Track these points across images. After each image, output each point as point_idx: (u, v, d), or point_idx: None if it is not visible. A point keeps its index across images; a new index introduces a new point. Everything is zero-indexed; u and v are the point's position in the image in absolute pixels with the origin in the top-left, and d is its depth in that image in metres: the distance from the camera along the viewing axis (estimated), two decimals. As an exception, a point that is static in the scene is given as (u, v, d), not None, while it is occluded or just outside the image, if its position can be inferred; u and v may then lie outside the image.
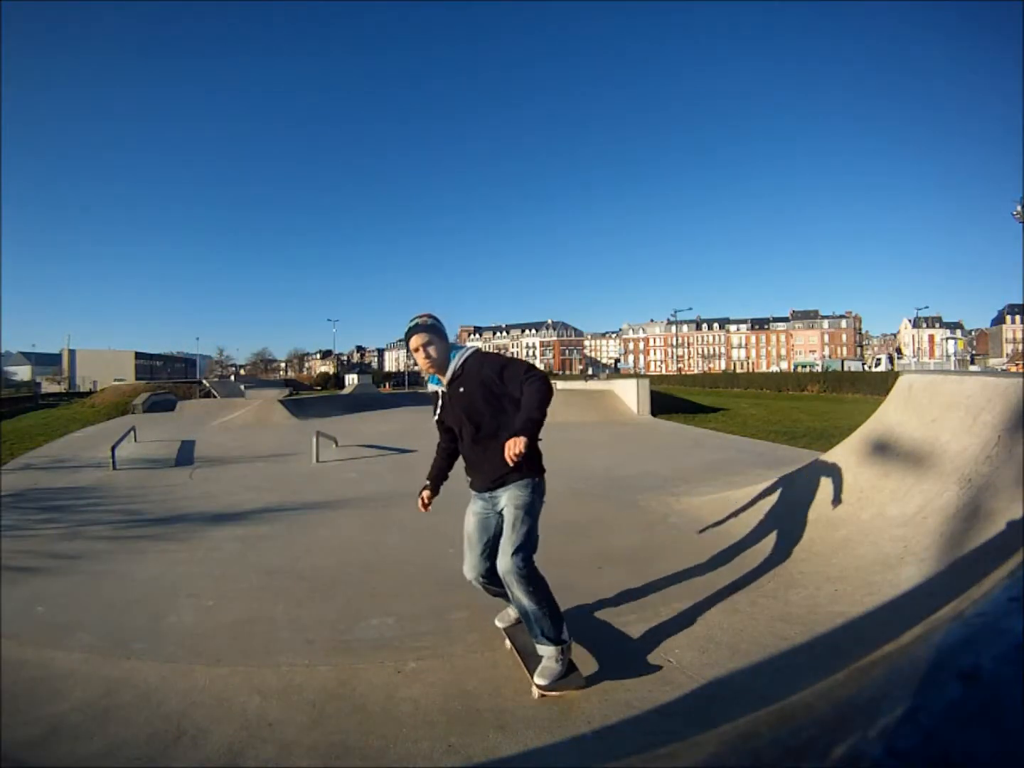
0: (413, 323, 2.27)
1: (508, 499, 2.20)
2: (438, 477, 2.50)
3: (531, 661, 2.20)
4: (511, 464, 1.93)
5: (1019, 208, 28.04)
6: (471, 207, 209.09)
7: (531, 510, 2.18)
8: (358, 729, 1.91)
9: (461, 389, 2.22)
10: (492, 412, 2.20)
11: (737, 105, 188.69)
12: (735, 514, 4.11)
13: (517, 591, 2.09)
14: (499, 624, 2.56)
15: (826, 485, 3.71)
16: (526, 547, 2.13)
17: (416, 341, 2.25)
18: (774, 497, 4.02)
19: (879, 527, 3.13)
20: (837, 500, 3.50)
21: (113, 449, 7.89)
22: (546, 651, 2.12)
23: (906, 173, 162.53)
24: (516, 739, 1.84)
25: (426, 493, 2.45)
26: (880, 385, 21.99)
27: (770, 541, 3.52)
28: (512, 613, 2.50)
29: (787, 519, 3.65)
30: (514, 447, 1.89)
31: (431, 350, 2.24)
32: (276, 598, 3.10)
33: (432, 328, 2.27)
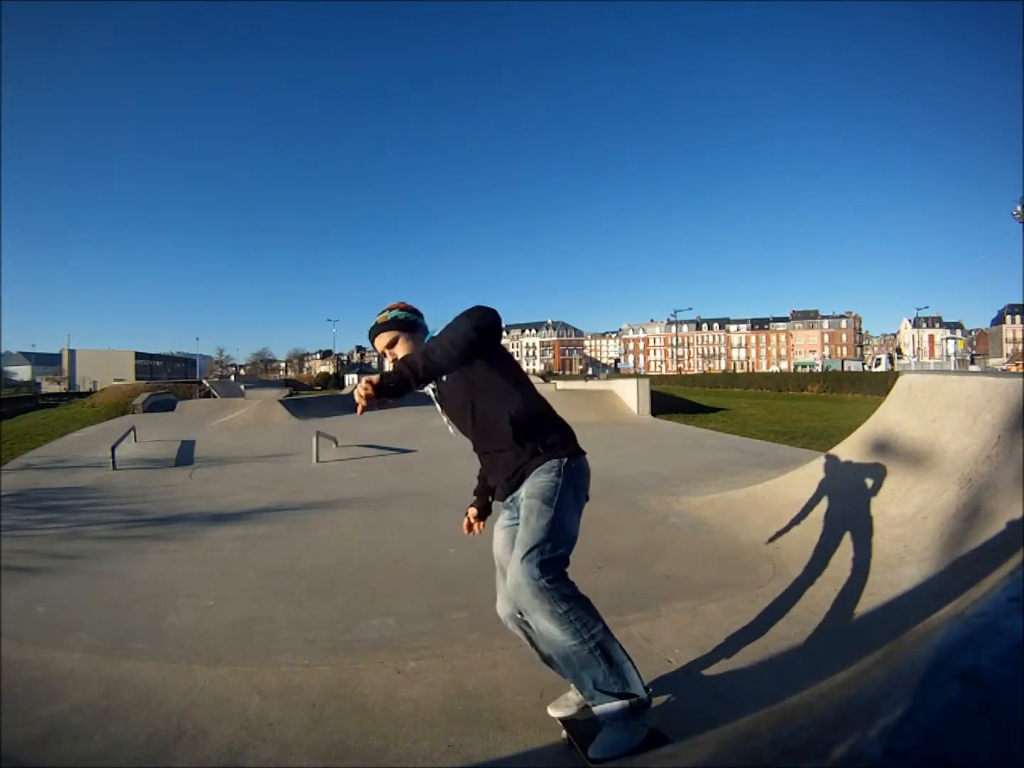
0: (373, 322, 1.90)
1: (524, 491, 1.67)
2: (483, 492, 2.01)
3: (587, 736, 1.57)
4: (358, 410, 1.49)
5: (1019, 208, 28.05)
6: (471, 207, 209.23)
7: (552, 498, 1.60)
8: (358, 729, 1.91)
9: (444, 378, 1.76)
10: (486, 395, 1.74)
11: (737, 104, 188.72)
12: (735, 514, 4.11)
13: (539, 615, 1.47)
14: (553, 713, 1.80)
15: (826, 485, 3.70)
16: (546, 547, 1.52)
17: (380, 343, 1.88)
18: (774, 497, 4.02)
19: (879, 527, 3.13)
20: (836, 499, 3.50)
21: (113, 449, 7.89)
22: (606, 709, 1.49)
23: (906, 173, 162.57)
24: (516, 739, 1.84)
25: (472, 511, 2.00)
26: (880, 385, 21.99)
27: (770, 541, 3.52)
28: (573, 697, 1.76)
29: (787, 519, 3.65)
30: (363, 390, 1.45)
31: (398, 350, 1.86)
32: (276, 598, 3.10)
33: (396, 323, 1.87)
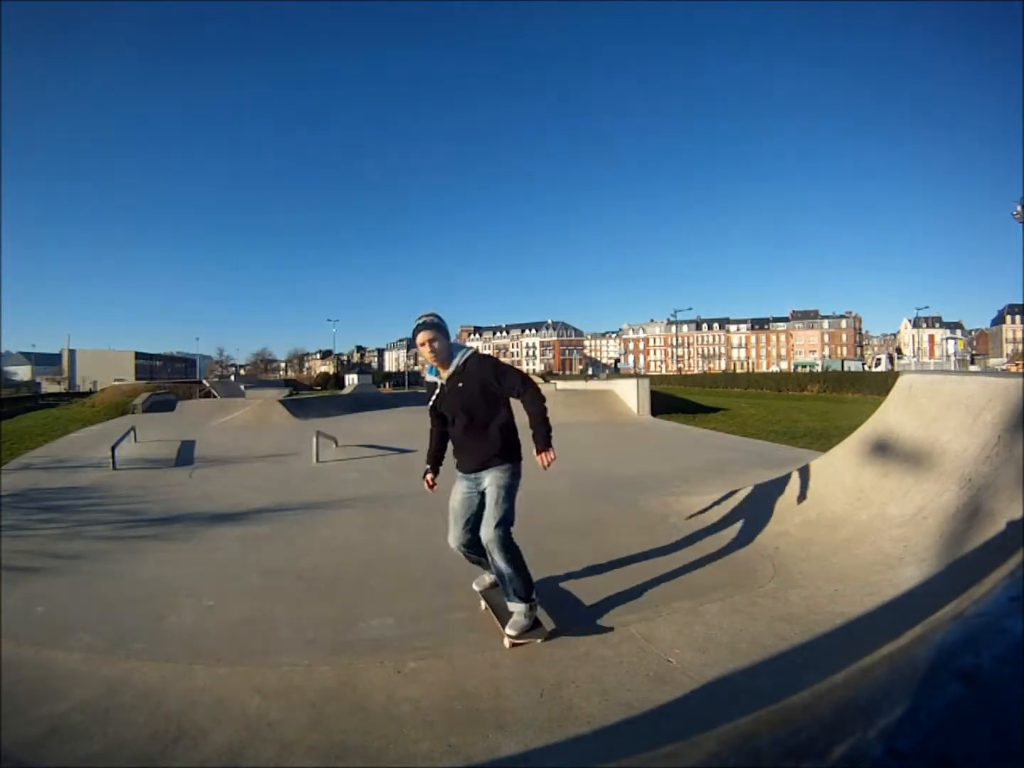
0: (420, 321, 2.59)
1: (491, 480, 2.57)
2: (437, 459, 2.89)
3: (503, 618, 2.54)
4: (544, 469, 2.51)
5: (1019, 208, 28.02)
6: (471, 207, 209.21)
7: (511, 490, 2.56)
8: (358, 729, 1.91)
9: (460, 384, 2.59)
10: (487, 407, 2.58)
11: (737, 105, 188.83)
12: (735, 514, 4.11)
13: (497, 557, 2.46)
14: (476, 587, 2.91)
15: (826, 485, 3.71)
16: (507, 521, 2.50)
17: (423, 337, 2.57)
18: (774, 497, 4.02)
19: (879, 527, 3.13)
20: (836, 499, 3.50)
21: (113, 449, 7.89)
22: (517, 608, 2.48)
23: (906, 173, 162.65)
24: (516, 739, 1.84)
25: (430, 476, 2.85)
26: (880, 385, 21.97)
27: (769, 541, 3.52)
28: (487, 578, 2.87)
29: (787, 519, 3.65)
30: (546, 458, 2.51)
31: (436, 345, 2.57)
32: (276, 598, 3.10)
33: (437, 326, 2.59)
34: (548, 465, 2.47)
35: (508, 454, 2.58)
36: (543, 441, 2.51)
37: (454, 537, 2.73)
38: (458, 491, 2.71)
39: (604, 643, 2.46)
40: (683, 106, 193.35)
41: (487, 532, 2.48)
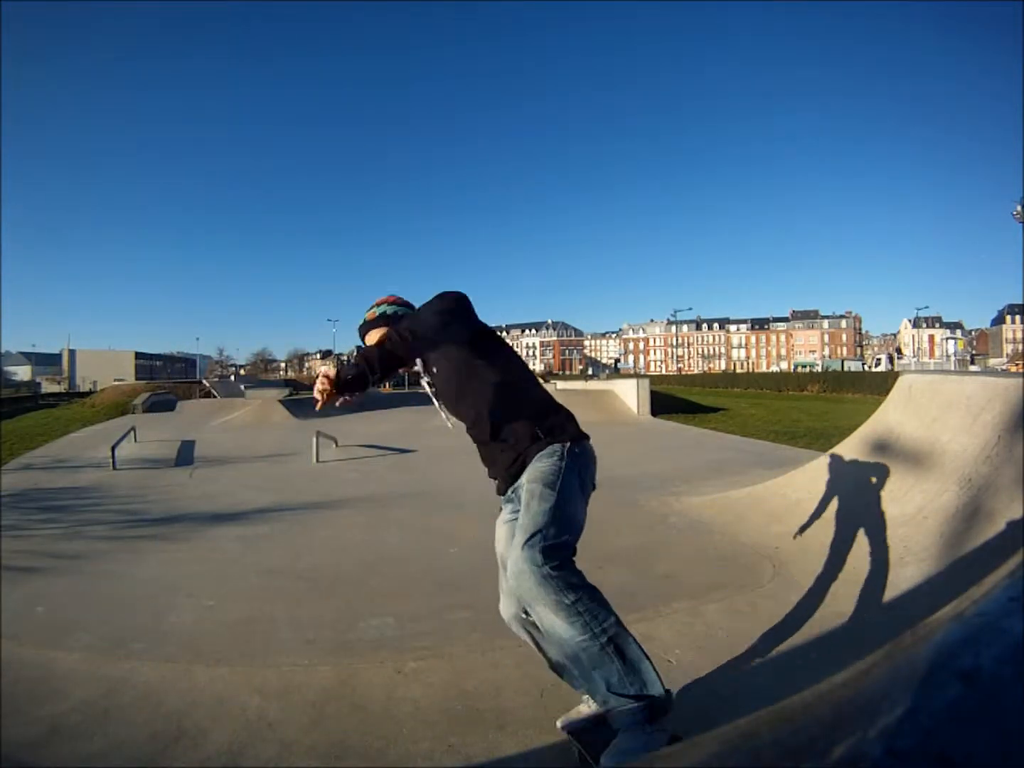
0: (362, 319, 1.80)
1: (525, 477, 1.55)
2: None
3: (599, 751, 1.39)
4: (316, 406, 1.39)
5: (1019, 208, 28.03)
6: (471, 207, 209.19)
7: (554, 481, 1.46)
8: (358, 729, 1.91)
9: (435, 369, 1.70)
10: (478, 385, 1.63)
11: (737, 104, 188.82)
12: (735, 514, 4.11)
13: (543, 606, 1.30)
14: (560, 726, 1.65)
15: (826, 485, 3.70)
16: (550, 532, 1.36)
17: (370, 341, 1.75)
18: (774, 497, 4.02)
19: (879, 527, 3.13)
20: (838, 500, 3.49)
21: (113, 449, 7.89)
22: (621, 714, 1.31)
23: (906, 173, 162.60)
24: (516, 739, 1.83)
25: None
26: (880, 385, 21.96)
27: (770, 541, 3.52)
28: (584, 709, 1.61)
29: (787, 519, 3.64)
30: (319, 380, 1.36)
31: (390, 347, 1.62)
32: (276, 598, 3.10)
33: (384, 319, 1.76)
34: (320, 393, 1.36)
35: (543, 435, 1.57)
36: (346, 367, 1.41)
37: (508, 599, 1.66)
38: (501, 522, 1.72)
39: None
40: (683, 106, 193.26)
41: (511, 557, 1.41)
